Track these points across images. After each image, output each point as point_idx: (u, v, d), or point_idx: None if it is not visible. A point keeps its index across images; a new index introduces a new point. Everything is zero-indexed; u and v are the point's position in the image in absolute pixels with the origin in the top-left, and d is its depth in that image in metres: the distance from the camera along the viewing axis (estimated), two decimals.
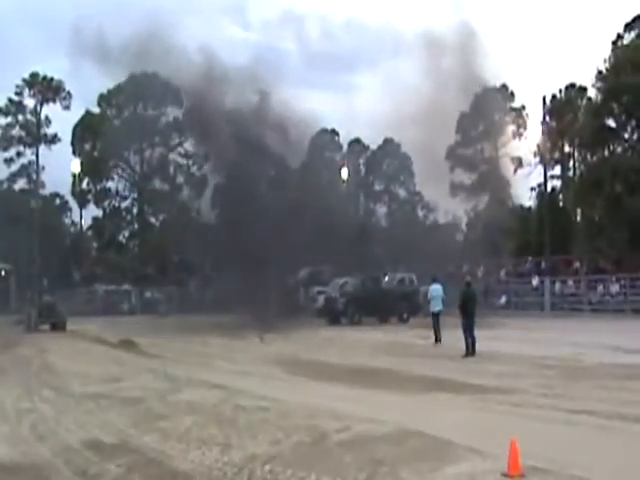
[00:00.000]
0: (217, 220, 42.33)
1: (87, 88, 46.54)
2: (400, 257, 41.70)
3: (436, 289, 19.84)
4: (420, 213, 57.98)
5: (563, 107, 44.12)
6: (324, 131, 54.02)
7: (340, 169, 50.70)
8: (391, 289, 31.15)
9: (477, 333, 16.40)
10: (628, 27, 36.88)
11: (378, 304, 29.27)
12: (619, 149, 37.38)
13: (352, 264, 33.81)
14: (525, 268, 38.59)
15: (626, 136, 37.07)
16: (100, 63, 36.31)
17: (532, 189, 46.10)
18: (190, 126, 45.38)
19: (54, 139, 51.91)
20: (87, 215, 53.37)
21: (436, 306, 19.48)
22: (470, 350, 16.08)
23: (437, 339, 19.15)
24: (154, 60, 36.47)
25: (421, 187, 54.71)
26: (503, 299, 36.48)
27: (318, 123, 46.35)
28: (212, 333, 24.49)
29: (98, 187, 52.24)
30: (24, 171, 51.99)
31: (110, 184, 52.63)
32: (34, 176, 51.24)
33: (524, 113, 50.29)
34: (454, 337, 17.39)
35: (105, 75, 41.06)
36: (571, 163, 46.42)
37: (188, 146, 50.01)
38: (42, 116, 51.72)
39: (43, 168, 51.25)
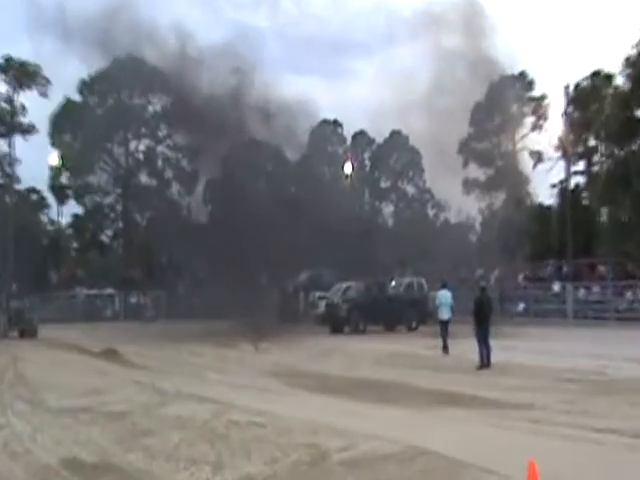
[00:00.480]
0: (209, 218, 42.42)
1: (66, 74, 46.13)
2: (408, 260, 41.78)
3: (444, 295, 19.93)
4: (430, 212, 58.05)
5: (588, 96, 43.98)
6: (326, 122, 54.06)
7: (343, 164, 50.72)
8: (398, 295, 31.18)
9: (492, 343, 16.47)
10: None
11: (384, 311, 29.28)
12: None
13: (356, 267, 33.85)
14: (545, 272, 38.57)
15: None
16: (62, 41, 35.92)
17: (553, 186, 45.91)
18: (173, 115, 45.37)
19: (30, 129, 51.77)
20: (66, 212, 53.26)
21: (444, 314, 19.59)
22: (485, 361, 16.15)
23: (445, 349, 19.23)
24: (122, 37, 36.18)
25: (431, 184, 54.79)
26: (521, 306, 36.48)
27: (317, 112, 46.38)
28: (203, 341, 24.53)
29: (79, 182, 52.16)
30: None
31: (92, 179, 52.47)
32: (8, 169, 51.17)
33: (545, 103, 50.13)
34: (467, 347, 17.41)
35: (69, 55, 40.51)
36: (596, 158, 46.28)
37: (178, 138, 49.99)
38: (17, 104, 51.67)
39: (19, 161, 51.27)
